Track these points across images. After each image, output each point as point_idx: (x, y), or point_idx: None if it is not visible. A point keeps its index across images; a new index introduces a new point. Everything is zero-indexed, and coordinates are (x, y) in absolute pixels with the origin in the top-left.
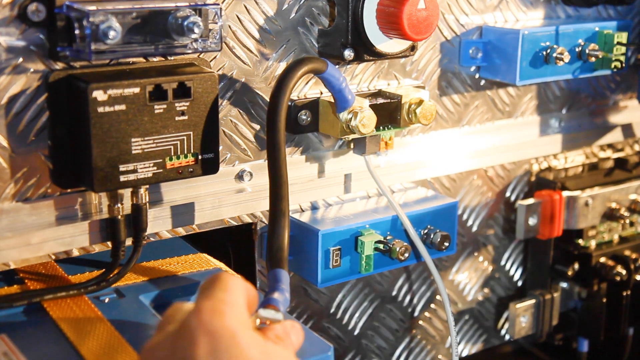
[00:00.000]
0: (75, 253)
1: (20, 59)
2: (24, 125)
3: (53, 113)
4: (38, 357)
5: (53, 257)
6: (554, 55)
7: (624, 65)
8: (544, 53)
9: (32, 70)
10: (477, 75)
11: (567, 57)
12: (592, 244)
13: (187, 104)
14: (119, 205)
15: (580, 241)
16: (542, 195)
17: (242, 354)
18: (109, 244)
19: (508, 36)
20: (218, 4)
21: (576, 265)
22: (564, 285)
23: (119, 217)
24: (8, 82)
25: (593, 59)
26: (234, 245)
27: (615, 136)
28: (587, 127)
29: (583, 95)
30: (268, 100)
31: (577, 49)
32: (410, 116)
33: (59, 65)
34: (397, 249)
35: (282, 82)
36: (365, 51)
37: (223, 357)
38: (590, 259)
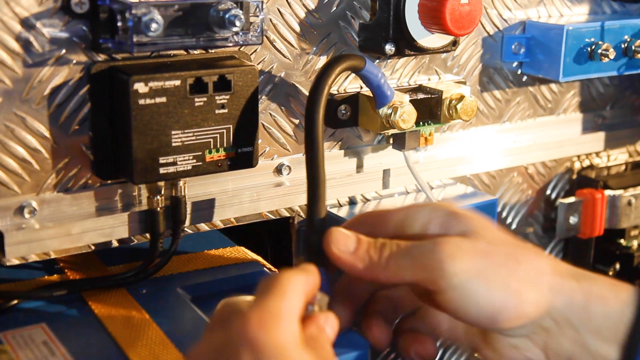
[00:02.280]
0: (115, 244)
1: (63, 51)
2: (65, 117)
3: (94, 105)
4: (77, 347)
5: (93, 247)
6: (599, 51)
7: None
8: (589, 49)
9: (74, 61)
10: (519, 71)
11: (612, 54)
12: (635, 244)
13: (227, 97)
14: (158, 197)
15: (622, 241)
16: (584, 193)
17: None
18: (148, 235)
19: (552, 32)
20: None
21: (617, 266)
22: None
23: (158, 209)
24: (51, 73)
25: (639, 56)
26: (272, 239)
27: None
28: (630, 125)
29: (627, 93)
30: (307, 95)
31: (622, 45)
32: (450, 112)
33: (101, 57)
34: None
35: (320, 79)
36: (407, 46)
37: None
38: (632, 259)
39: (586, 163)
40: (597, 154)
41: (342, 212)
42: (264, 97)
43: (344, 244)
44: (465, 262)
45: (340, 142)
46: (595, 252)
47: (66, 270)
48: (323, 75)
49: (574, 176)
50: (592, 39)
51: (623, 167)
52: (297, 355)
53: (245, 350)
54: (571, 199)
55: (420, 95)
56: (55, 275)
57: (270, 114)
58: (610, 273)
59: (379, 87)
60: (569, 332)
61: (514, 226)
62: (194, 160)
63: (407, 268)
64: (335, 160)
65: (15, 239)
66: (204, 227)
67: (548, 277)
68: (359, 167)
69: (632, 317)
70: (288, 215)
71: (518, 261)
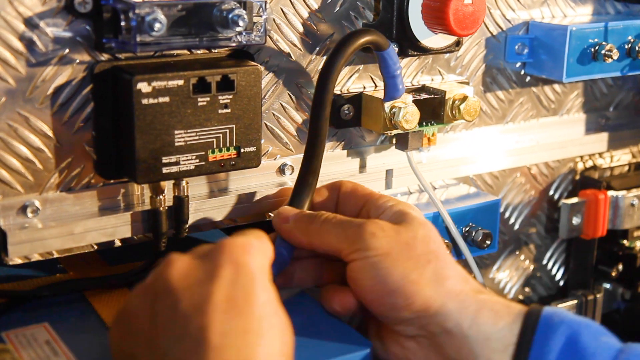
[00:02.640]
0: (117, 243)
1: (67, 50)
2: (68, 116)
3: (98, 104)
4: (80, 346)
5: (95, 247)
6: (603, 52)
7: None
8: (592, 50)
9: (78, 61)
10: (522, 72)
11: (615, 54)
12: (638, 244)
13: (231, 96)
14: (161, 197)
15: (625, 242)
16: (587, 194)
17: (254, 296)
18: (151, 235)
19: (555, 32)
20: None
21: (620, 266)
22: (607, 286)
23: (161, 208)
24: (54, 72)
25: None
26: None
27: None
28: (634, 126)
29: (631, 93)
30: (312, 94)
31: (626, 46)
32: (454, 112)
33: (104, 57)
34: None
35: (344, 43)
36: (410, 46)
37: (239, 293)
38: (635, 260)
39: (589, 164)
40: (600, 154)
41: None
42: (267, 96)
43: (284, 214)
44: (381, 241)
45: (343, 142)
46: (598, 252)
47: (69, 270)
48: (347, 41)
49: (577, 177)
50: (596, 40)
51: (626, 168)
52: (266, 287)
53: (228, 265)
54: (574, 200)
55: (424, 96)
56: (57, 274)
57: (273, 114)
58: (613, 274)
59: (394, 77)
60: (457, 340)
61: (516, 227)
62: (197, 160)
63: (335, 236)
64: (338, 160)
65: (18, 238)
66: (206, 227)
67: (450, 283)
68: (362, 167)
69: (520, 329)
70: None
71: (429, 261)
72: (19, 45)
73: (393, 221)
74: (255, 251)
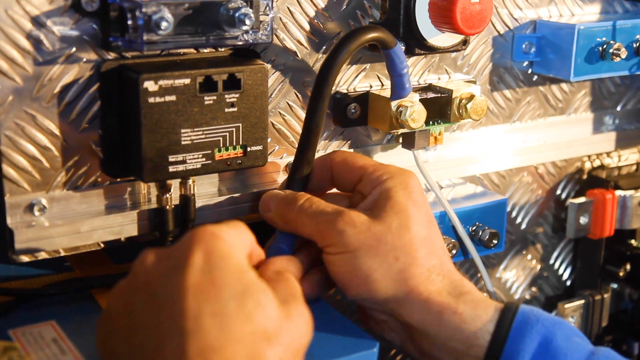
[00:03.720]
0: (124, 242)
1: (74, 49)
2: (75, 115)
3: (104, 103)
4: (87, 344)
5: (102, 245)
6: (610, 51)
7: None
8: (600, 49)
9: (84, 59)
10: (529, 71)
11: (624, 53)
12: None
13: (237, 95)
14: (168, 195)
15: (633, 242)
16: (594, 194)
17: (224, 278)
18: (157, 233)
19: (563, 31)
20: None
21: (628, 266)
22: (615, 286)
23: (167, 207)
24: (61, 71)
25: None
26: None
27: None
28: None
29: (639, 92)
30: (314, 82)
31: (634, 45)
32: (460, 111)
33: (111, 55)
34: None
35: (349, 38)
36: (417, 45)
37: (209, 277)
38: None
39: (597, 163)
40: (608, 154)
41: None
42: (273, 95)
43: (266, 203)
44: (350, 238)
45: (349, 141)
46: (605, 252)
47: (75, 268)
48: (352, 35)
49: (585, 176)
50: (604, 39)
51: (634, 167)
52: (239, 269)
53: (198, 251)
54: (581, 199)
55: (430, 95)
56: (64, 273)
57: (280, 113)
58: (621, 274)
59: (401, 76)
60: (421, 334)
61: (523, 226)
62: (204, 159)
63: (309, 227)
64: None
65: (25, 237)
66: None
67: (413, 282)
68: None
69: (494, 327)
70: None
71: (396, 259)
72: (26, 44)
73: (372, 207)
74: (226, 235)
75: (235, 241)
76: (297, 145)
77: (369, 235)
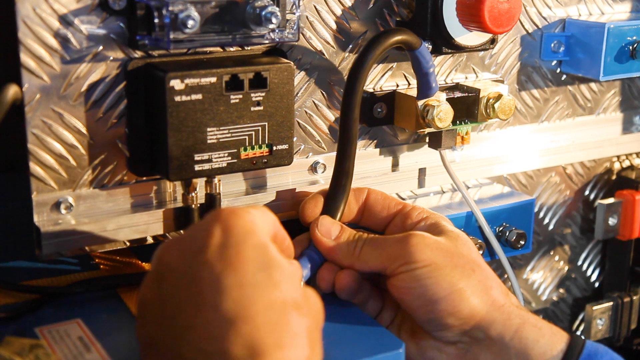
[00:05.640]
0: (150, 240)
1: (101, 47)
2: (102, 113)
3: (131, 101)
4: (112, 343)
5: (128, 243)
6: None
7: None
8: (630, 48)
9: (111, 58)
10: (558, 70)
11: None
12: None
13: (263, 94)
14: (193, 194)
15: None
16: (623, 194)
17: (244, 252)
18: (183, 232)
19: (592, 30)
20: None
21: None
22: None
23: (193, 206)
24: (88, 69)
25: None
26: None
27: None
28: None
29: None
30: (343, 91)
31: None
32: (488, 111)
33: (138, 54)
34: None
35: (373, 43)
36: (444, 44)
37: (230, 251)
38: None
39: (626, 163)
40: (638, 154)
41: None
42: (299, 94)
43: (327, 230)
44: (426, 253)
45: (375, 141)
46: (634, 254)
47: (101, 267)
48: (377, 40)
49: (614, 177)
50: (634, 37)
51: None
52: (259, 245)
53: (216, 230)
54: (610, 200)
55: (457, 94)
56: (90, 271)
57: (306, 112)
58: None
59: (427, 75)
60: (497, 349)
61: (551, 227)
62: (229, 158)
63: (377, 257)
64: (370, 159)
65: (51, 234)
66: None
67: (494, 293)
68: (395, 165)
69: (566, 348)
70: None
71: (473, 270)
72: (53, 43)
73: (431, 233)
74: (246, 214)
75: (258, 220)
76: (335, 158)
77: (443, 250)
